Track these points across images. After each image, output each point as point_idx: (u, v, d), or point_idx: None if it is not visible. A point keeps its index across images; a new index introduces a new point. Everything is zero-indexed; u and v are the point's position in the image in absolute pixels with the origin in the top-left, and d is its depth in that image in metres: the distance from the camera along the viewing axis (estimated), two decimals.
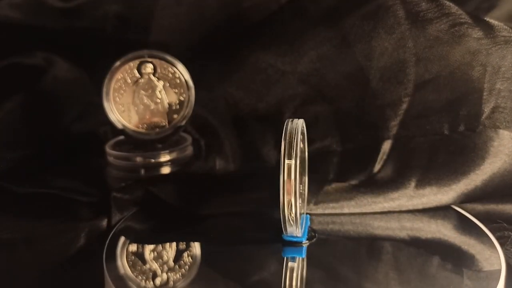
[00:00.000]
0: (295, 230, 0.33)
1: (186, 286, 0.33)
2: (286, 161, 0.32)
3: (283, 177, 0.32)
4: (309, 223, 0.38)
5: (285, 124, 0.33)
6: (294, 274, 0.33)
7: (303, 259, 0.34)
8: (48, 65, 0.55)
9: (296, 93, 0.49)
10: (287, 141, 0.32)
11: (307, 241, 0.35)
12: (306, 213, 0.39)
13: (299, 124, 0.33)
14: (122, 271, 0.34)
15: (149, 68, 0.48)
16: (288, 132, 0.32)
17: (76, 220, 0.41)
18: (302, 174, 0.37)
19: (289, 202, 0.32)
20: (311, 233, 0.37)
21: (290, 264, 0.34)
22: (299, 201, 0.33)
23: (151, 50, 0.48)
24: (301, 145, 0.36)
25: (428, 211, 0.40)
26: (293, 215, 0.33)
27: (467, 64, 0.41)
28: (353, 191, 0.40)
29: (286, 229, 0.33)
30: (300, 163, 0.32)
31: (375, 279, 0.33)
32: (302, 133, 0.34)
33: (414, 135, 0.42)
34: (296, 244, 0.35)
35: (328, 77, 0.48)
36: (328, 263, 0.34)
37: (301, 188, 0.36)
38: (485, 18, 0.43)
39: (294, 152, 0.32)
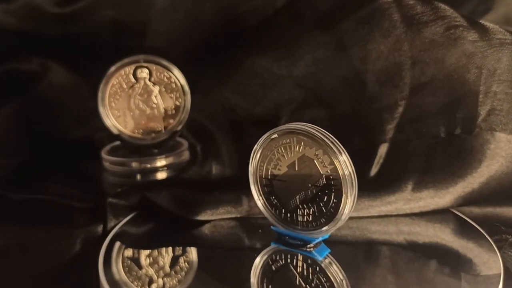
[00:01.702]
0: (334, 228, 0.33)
1: None
2: (339, 158, 0.32)
3: (343, 173, 0.32)
4: None
5: (302, 131, 0.33)
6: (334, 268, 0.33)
7: (302, 265, 0.34)
8: (44, 71, 0.55)
9: (293, 97, 0.49)
10: (328, 142, 0.32)
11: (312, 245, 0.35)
12: None
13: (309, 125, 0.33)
14: (118, 276, 0.33)
15: (144, 73, 0.48)
16: (321, 135, 0.32)
17: (72, 226, 0.41)
18: None
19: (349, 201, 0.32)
20: None
21: (326, 261, 0.34)
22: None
23: (146, 55, 0.48)
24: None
25: (426, 215, 0.40)
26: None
27: (463, 67, 0.41)
28: None
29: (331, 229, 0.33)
30: None
31: (373, 284, 0.32)
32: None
33: (410, 138, 0.42)
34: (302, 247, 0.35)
35: (324, 81, 0.48)
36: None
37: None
38: (481, 21, 0.43)
39: (340, 147, 0.32)
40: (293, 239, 0.35)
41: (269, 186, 0.35)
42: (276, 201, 0.35)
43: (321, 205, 0.33)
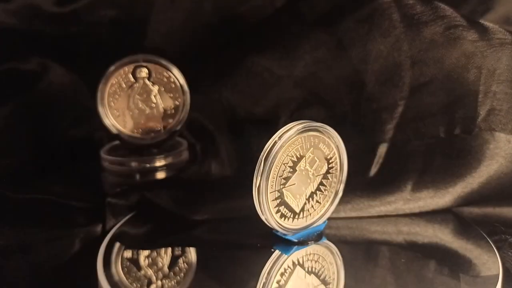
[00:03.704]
0: None
1: None
2: (335, 139, 0.35)
3: (341, 151, 0.35)
4: None
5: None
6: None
7: (301, 265, 0.34)
8: (43, 71, 0.55)
9: (292, 97, 0.49)
10: (327, 129, 0.34)
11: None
12: None
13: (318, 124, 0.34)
14: (116, 277, 0.33)
15: (144, 72, 0.48)
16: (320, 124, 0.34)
17: (71, 226, 0.41)
18: None
19: None
20: None
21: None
22: None
23: (146, 54, 0.48)
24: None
25: (425, 215, 0.40)
26: None
27: (463, 67, 0.41)
28: (350, 195, 0.40)
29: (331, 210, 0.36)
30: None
31: (372, 285, 0.32)
32: None
33: (410, 138, 0.42)
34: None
35: (323, 81, 0.48)
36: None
37: None
38: (480, 21, 0.43)
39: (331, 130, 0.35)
40: (306, 235, 0.35)
41: (279, 198, 0.33)
42: (285, 209, 0.34)
43: (323, 190, 0.35)
